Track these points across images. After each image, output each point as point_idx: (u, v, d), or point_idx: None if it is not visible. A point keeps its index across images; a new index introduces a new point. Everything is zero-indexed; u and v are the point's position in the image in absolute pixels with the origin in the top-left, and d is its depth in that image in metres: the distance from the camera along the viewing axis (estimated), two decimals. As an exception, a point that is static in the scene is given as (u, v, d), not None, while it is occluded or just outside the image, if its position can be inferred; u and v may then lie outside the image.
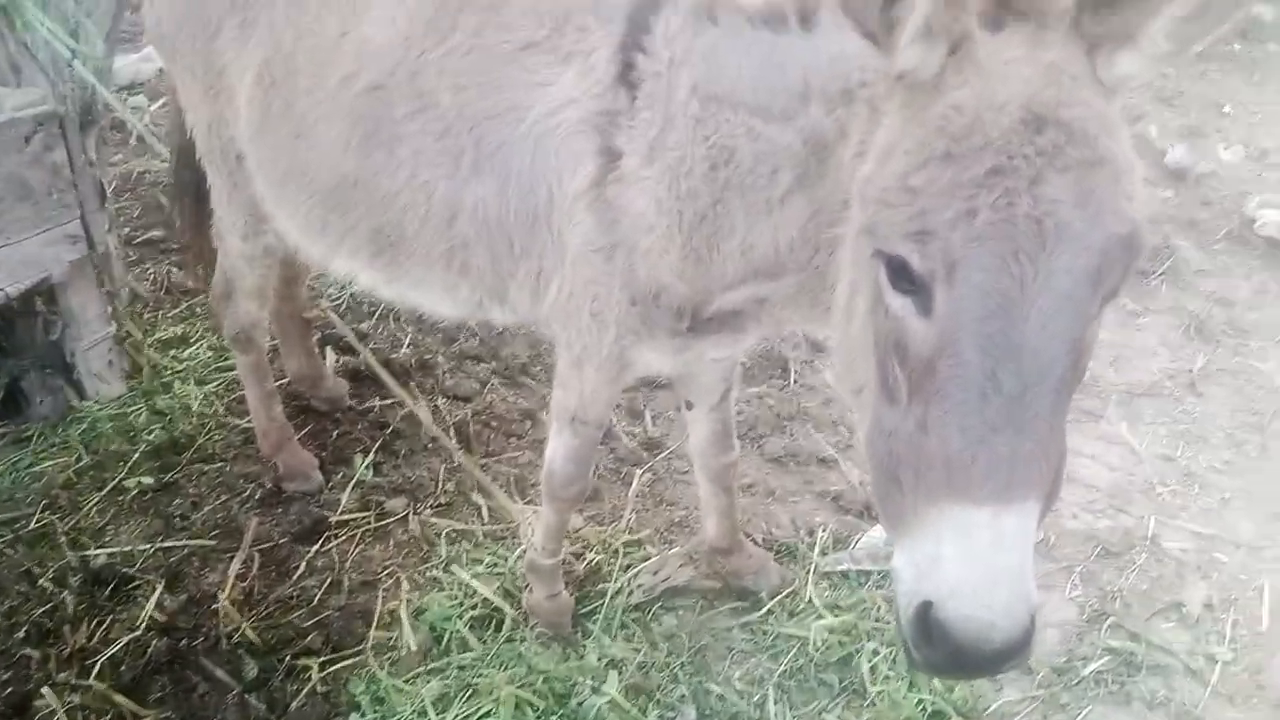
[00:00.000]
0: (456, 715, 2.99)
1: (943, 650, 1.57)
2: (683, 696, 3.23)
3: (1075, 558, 3.90)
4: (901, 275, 1.63)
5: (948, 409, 1.56)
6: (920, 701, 3.22)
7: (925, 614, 1.58)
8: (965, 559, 1.53)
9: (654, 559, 3.69)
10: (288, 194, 2.98)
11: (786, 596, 3.59)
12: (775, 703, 3.24)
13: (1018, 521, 1.53)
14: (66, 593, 3.39)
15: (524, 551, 3.52)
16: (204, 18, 3.06)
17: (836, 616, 3.50)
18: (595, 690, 3.15)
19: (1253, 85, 8.49)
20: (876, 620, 3.49)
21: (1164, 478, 4.33)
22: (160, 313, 4.82)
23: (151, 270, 5.15)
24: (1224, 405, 4.80)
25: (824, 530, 3.89)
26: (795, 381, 4.84)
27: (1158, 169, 6.86)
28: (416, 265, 2.81)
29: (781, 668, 3.36)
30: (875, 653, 3.38)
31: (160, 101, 7.03)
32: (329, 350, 4.50)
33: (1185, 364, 5.06)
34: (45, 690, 3.08)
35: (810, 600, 3.57)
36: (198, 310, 4.85)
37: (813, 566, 3.71)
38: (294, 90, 2.81)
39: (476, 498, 3.90)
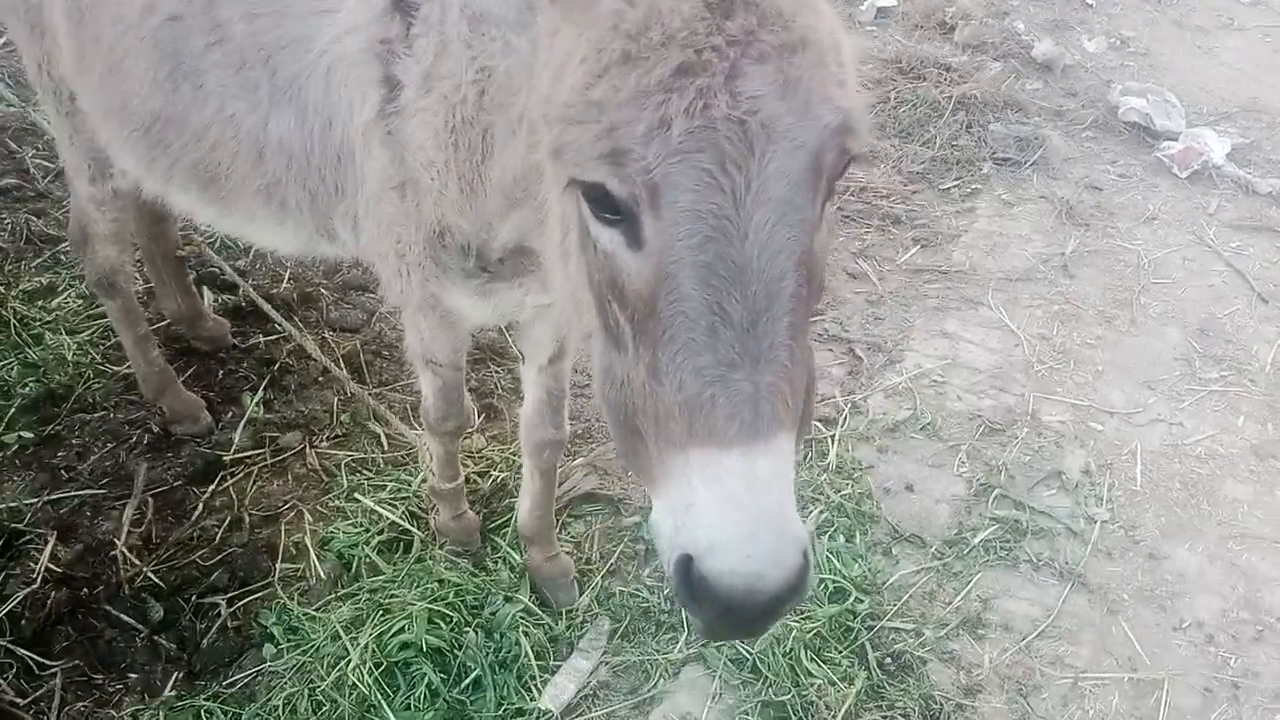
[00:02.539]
0: (370, 635, 2.99)
1: (712, 609, 1.42)
2: (594, 600, 3.30)
3: (961, 437, 4.08)
4: (603, 204, 1.45)
5: (677, 350, 1.39)
6: (822, 581, 3.35)
7: (687, 569, 1.41)
8: (721, 508, 1.37)
9: (558, 470, 3.72)
10: (113, 129, 2.84)
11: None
12: (685, 596, 3.33)
13: (771, 461, 1.37)
14: (-48, 554, 3.27)
15: (425, 476, 3.52)
16: None
17: (739, 510, 3.59)
18: (508, 599, 3.20)
19: (1112, -23, 8.72)
20: (777, 510, 3.60)
21: (1041, 356, 4.53)
22: (23, 263, 4.57)
23: (9, 221, 4.87)
24: (1095, 284, 5.02)
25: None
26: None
27: (1025, 62, 7.05)
28: (241, 200, 2.69)
29: (689, 563, 3.45)
30: (778, 540, 3.49)
31: (3, 39, 6.60)
32: (206, 289, 4.36)
33: (1058, 248, 5.27)
34: (-60, 652, 3.00)
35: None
36: (62, 258, 4.62)
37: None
38: (101, 22, 2.65)
39: (374, 426, 3.86)
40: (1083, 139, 6.26)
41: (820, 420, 4.08)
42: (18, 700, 2.92)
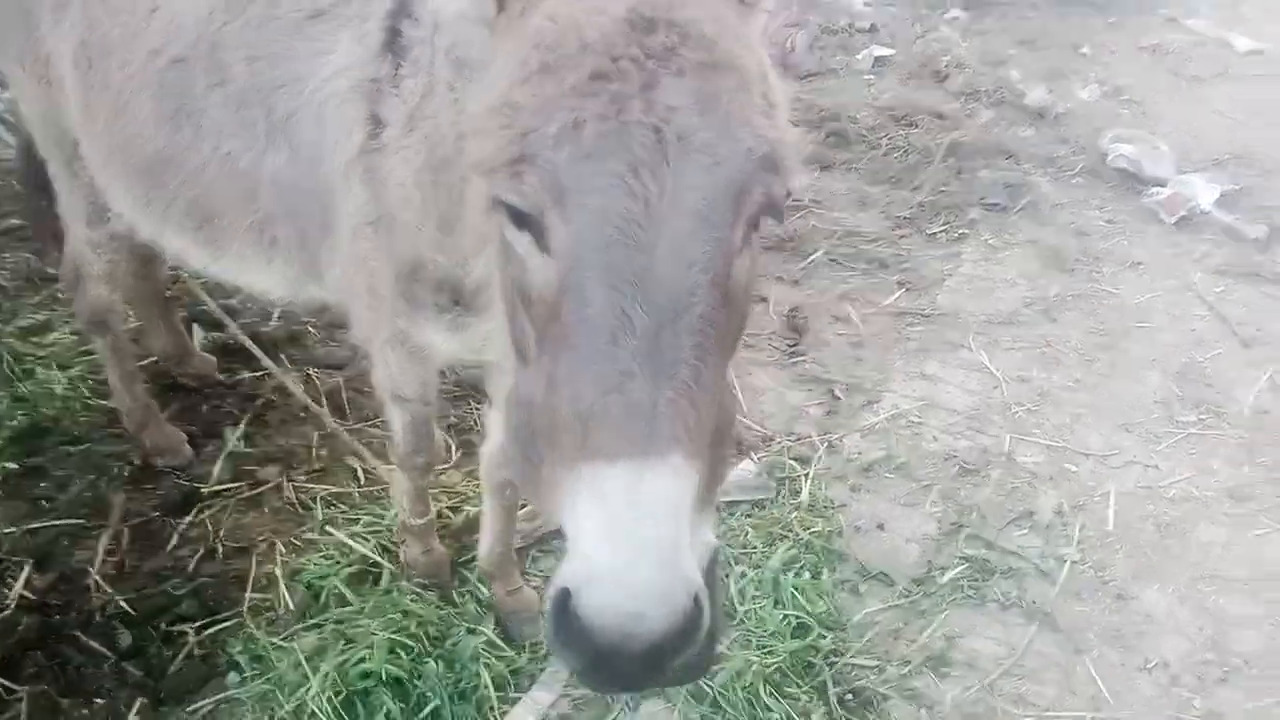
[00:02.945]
0: (332, 664, 3.03)
1: (581, 651, 1.31)
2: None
3: (935, 477, 4.10)
4: (515, 209, 1.45)
5: (576, 356, 1.35)
6: (785, 617, 3.36)
7: (564, 604, 1.31)
8: (601, 532, 1.28)
9: (529, 506, 3.77)
10: (113, 171, 2.96)
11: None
12: (648, 631, 3.35)
13: (664, 482, 1.28)
14: (-70, 579, 3.35)
15: (397, 511, 3.57)
16: (23, 8, 3.02)
17: (706, 546, 3.62)
18: (471, 631, 3.24)
19: (1109, 27, 8.84)
20: (744, 546, 3.64)
21: (1019, 398, 4.56)
22: (21, 300, 4.71)
23: (10, 259, 5.03)
24: (1076, 328, 5.06)
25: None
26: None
27: (1018, 110, 7.14)
28: (233, 240, 2.79)
29: (655, 598, 3.47)
30: (744, 575, 3.52)
31: (7, 93, 6.81)
32: (196, 327, 4.47)
33: (1042, 292, 5.32)
34: (-89, 675, 3.06)
35: (681, 533, 3.69)
36: (59, 297, 4.75)
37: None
38: (109, 69, 2.79)
39: (351, 461, 3.93)
40: (1072, 185, 6.33)
41: (795, 459, 4.12)
42: (-17, 725, 2.98)
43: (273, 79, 2.51)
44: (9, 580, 3.38)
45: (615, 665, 1.30)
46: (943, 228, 5.84)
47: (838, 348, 4.88)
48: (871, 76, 7.77)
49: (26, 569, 3.40)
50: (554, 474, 1.40)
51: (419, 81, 2.19)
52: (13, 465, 3.80)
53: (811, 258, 5.55)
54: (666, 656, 1.30)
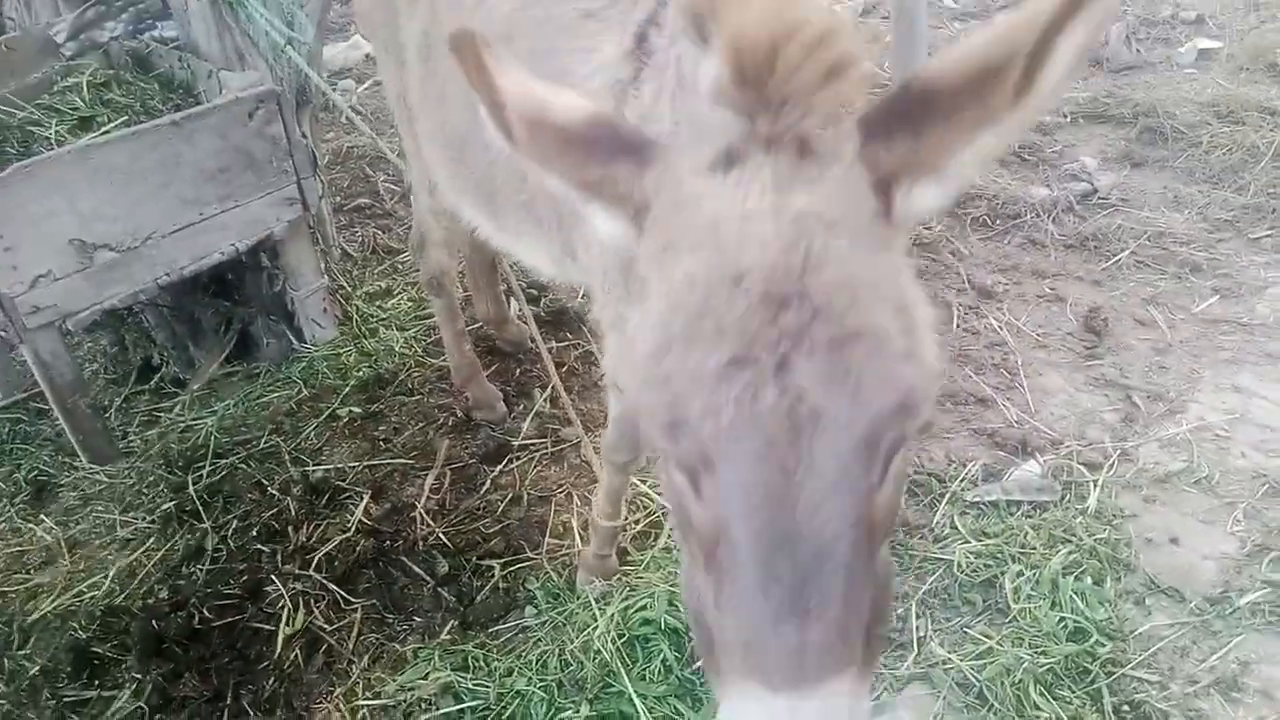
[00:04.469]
0: (617, 608, 3.31)
1: None
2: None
3: (1240, 495, 3.85)
4: None
5: (733, 594, 1.40)
6: (1062, 619, 3.31)
7: None
8: None
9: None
10: (434, 148, 3.34)
11: (933, 525, 3.74)
12: (918, 617, 3.40)
13: (820, 705, 1.33)
14: (290, 500, 3.94)
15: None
16: (391, 4, 3.47)
17: (982, 542, 3.62)
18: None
19: None
20: (1022, 546, 3.59)
21: (1349, 419, 4.17)
22: (367, 269, 5.39)
23: (359, 233, 5.74)
24: None
25: (974, 464, 4.00)
26: (958, 326, 4.90)
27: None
28: (509, 216, 3.03)
29: (926, 586, 3.52)
30: (1020, 574, 3.48)
31: (367, 84, 7.70)
32: (513, 300, 4.93)
33: (1384, 306, 4.81)
34: (274, 578, 3.63)
35: (955, 526, 3.71)
36: (399, 267, 5.39)
37: (950, 495, 3.85)
38: (439, 56, 3.13)
39: (642, 428, 4.20)
40: None
41: (1084, 464, 3.99)
42: (325, 626, 3.48)
43: (546, 71, 2.58)
44: (350, 507, 3.91)
45: None
46: (1269, 232, 5.39)
47: (1140, 353, 4.65)
48: (1194, 70, 7.24)
49: (365, 499, 3.93)
50: (721, 666, 1.46)
51: (655, 85, 2.25)
52: (358, 409, 4.39)
53: (1117, 258, 5.30)
54: None
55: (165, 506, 4.00)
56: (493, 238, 3.37)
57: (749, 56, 1.33)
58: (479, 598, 3.55)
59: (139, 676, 3.33)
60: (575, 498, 3.91)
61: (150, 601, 3.62)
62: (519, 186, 2.89)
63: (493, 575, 3.61)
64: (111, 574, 3.74)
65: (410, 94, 3.52)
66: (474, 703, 3.17)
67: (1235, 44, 7.45)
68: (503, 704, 3.16)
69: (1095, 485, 3.88)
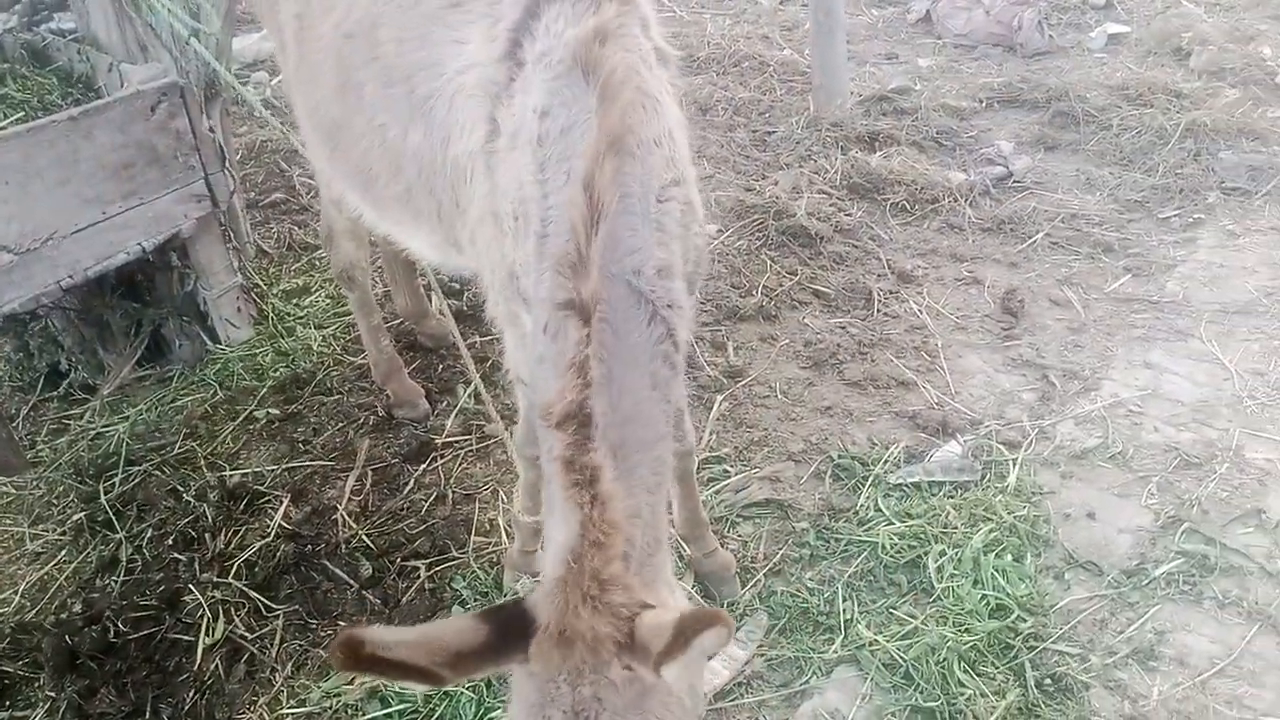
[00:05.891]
0: (545, 605, 3.27)
1: None
2: (755, 596, 3.46)
3: (1153, 469, 3.95)
4: None
5: None
6: (984, 597, 3.36)
7: None
8: None
9: (736, 478, 3.91)
10: (312, 133, 3.28)
11: (857, 508, 3.77)
12: (844, 600, 3.43)
13: None
14: (206, 506, 3.83)
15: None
16: None
17: (906, 523, 3.66)
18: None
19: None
20: (944, 526, 3.64)
21: (1253, 391, 4.31)
22: (283, 267, 5.26)
23: (275, 229, 5.60)
24: (1324, 320, 4.71)
25: (896, 446, 4.04)
26: (879, 311, 4.95)
27: (1269, 89, 6.66)
28: (389, 204, 2.99)
29: (852, 569, 3.55)
30: (943, 553, 3.53)
31: (279, 77, 7.51)
32: (434, 294, 4.85)
33: (1285, 281, 4.97)
34: (192, 587, 3.53)
35: (880, 509, 3.74)
36: (316, 264, 5.27)
37: (873, 478, 3.90)
38: (309, 39, 3.08)
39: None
40: (1325, 169, 5.85)
41: (1003, 443, 4.07)
42: (246, 635, 3.39)
43: (416, 60, 2.63)
44: (270, 511, 3.82)
45: None
46: (1176, 212, 5.55)
47: (1055, 332, 4.75)
48: (1104, 55, 7.42)
49: (285, 502, 3.84)
50: None
51: (524, 99, 2.24)
52: (275, 411, 4.28)
53: (1032, 240, 5.40)
54: None
55: (76, 517, 3.87)
56: (376, 226, 3.30)
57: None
58: (405, 599, 3.49)
59: (53, 695, 3.23)
60: (501, 495, 3.87)
61: (63, 616, 3.49)
62: (395, 177, 2.84)
63: (418, 576, 3.55)
64: (21, 589, 3.62)
65: (288, 77, 3.45)
66: (401, 706, 3.12)
67: (1143, 29, 7.65)
68: (431, 706, 3.11)
69: (1014, 464, 3.95)
